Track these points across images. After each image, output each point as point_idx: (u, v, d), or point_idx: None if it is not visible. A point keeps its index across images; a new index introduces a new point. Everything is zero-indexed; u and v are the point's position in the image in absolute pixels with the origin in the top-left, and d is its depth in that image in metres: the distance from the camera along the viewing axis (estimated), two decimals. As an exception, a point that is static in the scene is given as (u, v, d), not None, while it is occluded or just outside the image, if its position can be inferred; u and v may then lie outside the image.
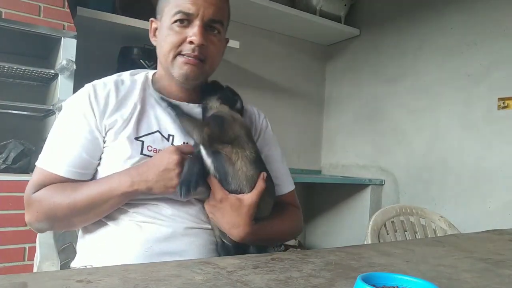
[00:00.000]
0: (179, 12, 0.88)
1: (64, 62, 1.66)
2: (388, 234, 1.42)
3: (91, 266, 0.85)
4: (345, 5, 2.84)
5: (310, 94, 3.13)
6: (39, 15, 1.68)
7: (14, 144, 1.64)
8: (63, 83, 1.70)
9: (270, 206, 0.92)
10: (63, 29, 1.72)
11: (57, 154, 0.88)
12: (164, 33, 0.91)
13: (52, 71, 1.73)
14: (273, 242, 0.89)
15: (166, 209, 0.87)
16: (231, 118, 0.89)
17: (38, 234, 0.99)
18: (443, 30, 2.35)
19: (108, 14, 2.01)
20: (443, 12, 2.36)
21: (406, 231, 1.48)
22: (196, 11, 0.88)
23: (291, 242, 2.65)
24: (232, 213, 0.83)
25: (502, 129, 2.03)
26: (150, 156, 0.88)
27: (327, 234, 2.87)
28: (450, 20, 2.32)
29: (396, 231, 1.45)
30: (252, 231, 0.83)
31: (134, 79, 0.97)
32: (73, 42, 1.71)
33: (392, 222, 1.46)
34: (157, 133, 0.92)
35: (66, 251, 1.03)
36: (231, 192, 0.84)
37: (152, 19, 0.98)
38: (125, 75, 0.98)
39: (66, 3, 1.74)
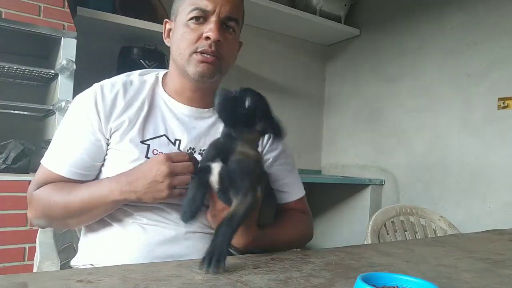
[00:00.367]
0: (195, 9, 0.87)
1: (64, 62, 1.66)
2: (388, 234, 1.42)
3: (92, 265, 0.85)
4: (345, 5, 2.84)
5: (310, 94, 3.13)
6: (39, 15, 1.68)
7: (14, 144, 1.64)
8: (63, 83, 1.70)
9: (272, 214, 0.91)
10: (63, 29, 1.72)
11: (60, 154, 0.88)
12: (179, 31, 0.90)
13: (52, 71, 1.73)
14: (280, 248, 0.85)
15: (170, 213, 0.87)
16: (259, 171, 0.80)
17: (38, 234, 0.99)
18: (443, 30, 2.35)
19: (108, 14, 2.01)
20: (443, 12, 2.36)
21: (406, 231, 1.48)
22: (213, 8, 0.87)
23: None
24: None
25: (502, 129, 2.03)
26: None
27: (327, 234, 2.87)
28: (450, 20, 2.32)
29: (396, 231, 1.45)
30: (254, 238, 0.82)
31: (144, 80, 0.96)
32: (73, 42, 1.71)
33: (392, 222, 1.46)
34: (164, 137, 0.90)
35: (66, 251, 1.03)
36: None
37: (166, 20, 0.98)
38: (134, 75, 0.97)
39: (66, 3, 1.74)
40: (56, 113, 1.68)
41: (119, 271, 0.62)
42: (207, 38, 0.87)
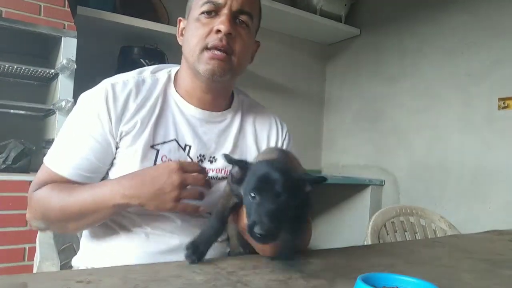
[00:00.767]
0: (207, 2, 0.84)
1: (64, 61, 1.66)
2: (388, 234, 1.41)
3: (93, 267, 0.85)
4: (345, 4, 2.84)
5: (310, 94, 3.13)
6: (40, 15, 1.68)
7: (14, 144, 1.64)
8: (63, 83, 1.70)
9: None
10: (64, 28, 1.72)
11: (64, 154, 0.84)
12: (191, 27, 0.87)
13: (52, 71, 1.73)
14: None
15: (175, 221, 0.85)
16: None
17: (38, 234, 0.99)
18: (443, 30, 2.35)
19: (108, 13, 2.01)
20: (444, 12, 2.35)
21: (406, 231, 1.48)
22: (224, 0, 0.84)
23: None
24: None
25: (503, 129, 2.03)
26: None
27: (327, 234, 2.87)
28: (450, 20, 2.32)
29: (396, 232, 1.45)
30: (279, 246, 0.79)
31: (156, 78, 0.91)
32: (74, 41, 1.71)
33: (392, 222, 1.45)
34: (174, 142, 0.87)
35: (66, 251, 1.03)
36: None
37: (180, 18, 0.95)
38: (147, 72, 0.92)
39: (66, 3, 1.74)
40: (57, 112, 1.68)
41: (119, 271, 0.62)
42: (218, 31, 0.83)
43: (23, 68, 1.67)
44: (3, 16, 1.61)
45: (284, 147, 1.02)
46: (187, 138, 0.88)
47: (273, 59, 2.93)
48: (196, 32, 0.85)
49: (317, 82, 3.17)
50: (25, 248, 1.55)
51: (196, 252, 0.69)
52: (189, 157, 0.88)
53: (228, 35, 0.83)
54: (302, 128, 3.03)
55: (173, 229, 0.85)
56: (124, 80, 0.88)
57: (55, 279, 0.57)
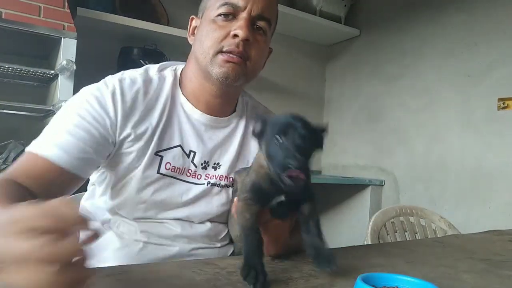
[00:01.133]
0: (225, 4, 0.79)
1: (64, 62, 1.66)
2: (388, 234, 1.41)
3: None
4: (345, 5, 2.84)
5: (310, 94, 3.13)
6: (39, 16, 1.68)
7: (14, 144, 1.65)
8: (63, 84, 1.70)
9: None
10: (63, 29, 1.72)
11: (51, 136, 0.74)
12: (205, 28, 0.82)
13: (52, 72, 1.73)
14: (293, 252, 0.83)
15: (173, 228, 0.83)
16: None
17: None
18: (443, 30, 2.35)
19: (108, 14, 2.01)
20: (443, 12, 2.36)
21: (406, 231, 1.48)
22: (244, 4, 0.79)
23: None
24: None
25: (502, 129, 2.03)
26: (167, 176, 0.81)
27: (327, 234, 2.84)
28: (450, 20, 2.32)
29: (396, 232, 1.45)
30: (283, 247, 0.78)
31: (163, 77, 0.87)
32: (73, 42, 1.71)
33: (392, 222, 1.46)
34: (179, 148, 0.83)
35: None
36: None
37: (192, 16, 0.90)
38: (153, 70, 0.88)
39: (66, 4, 1.74)
40: (56, 113, 1.67)
41: (119, 271, 0.62)
42: (235, 36, 0.78)
43: (23, 69, 1.67)
44: (3, 17, 1.61)
45: None
46: (192, 143, 0.85)
47: (273, 60, 2.90)
48: (212, 34, 0.80)
49: (317, 82, 3.17)
50: (25, 249, 1.54)
51: (258, 277, 0.59)
52: (193, 163, 0.85)
53: (245, 41, 0.79)
54: (302, 129, 3.03)
55: (171, 236, 0.83)
56: (132, 78, 0.83)
57: (55, 280, 0.57)
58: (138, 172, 0.80)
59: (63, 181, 0.73)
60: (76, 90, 1.70)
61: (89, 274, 0.39)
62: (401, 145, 2.55)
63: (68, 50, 1.70)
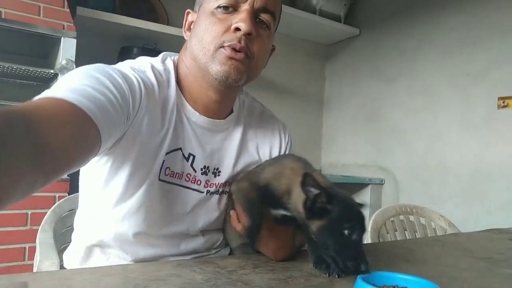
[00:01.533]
0: None
1: (64, 62, 1.66)
2: (388, 233, 1.41)
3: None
4: (344, 4, 2.84)
5: (310, 94, 3.13)
6: (39, 15, 1.68)
7: (14, 144, 1.64)
8: (63, 83, 1.70)
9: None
10: (63, 29, 1.72)
11: (65, 84, 0.60)
12: (203, 22, 0.74)
13: (52, 71, 1.73)
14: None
15: (168, 248, 0.78)
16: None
17: (38, 234, 0.98)
18: (443, 30, 2.35)
19: (108, 13, 2.01)
20: (443, 12, 2.36)
21: (406, 230, 1.48)
22: None
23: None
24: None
25: (502, 128, 2.03)
26: (168, 182, 0.75)
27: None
28: (450, 20, 2.32)
29: (396, 231, 1.45)
30: (290, 251, 0.77)
31: (168, 70, 0.80)
32: (73, 42, 1.71)
33: (392, 221, 1.46)
34: (179, 151, 0.76)
35: (66, 251, 1.03)
36: None
37: (188, 10, 0.82)
38: (157, 63, 0.80)
39: (66, 3, 1.74)
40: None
41: (119, 271, 0.62)
42: (237, 29, 0.71)
43: (23, 68, 1.67)
44: (3, 16, 1.61)
45: (287, 151, 0.95)
46: (192, 146, 0.78)
47: (272, 58, 2.91)
48: (211, 28, 0.72)
49: (316, 81, 3.17)
50: (25, 247, 1.55)
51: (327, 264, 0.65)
52: (193, 168, 0.78)
53: (247, 35, 0.71)
54: (302, 128, 3.04)
55: (168, 255, 0.78)
56: (142, 69, 0.75)
57: (55, 279, 0.57)
58: (141, 175, 0.73)
59: (81, 126, 0.55)
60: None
61: None
62: (401, 144, 2.55)
63: (67, 49, 1.70)
